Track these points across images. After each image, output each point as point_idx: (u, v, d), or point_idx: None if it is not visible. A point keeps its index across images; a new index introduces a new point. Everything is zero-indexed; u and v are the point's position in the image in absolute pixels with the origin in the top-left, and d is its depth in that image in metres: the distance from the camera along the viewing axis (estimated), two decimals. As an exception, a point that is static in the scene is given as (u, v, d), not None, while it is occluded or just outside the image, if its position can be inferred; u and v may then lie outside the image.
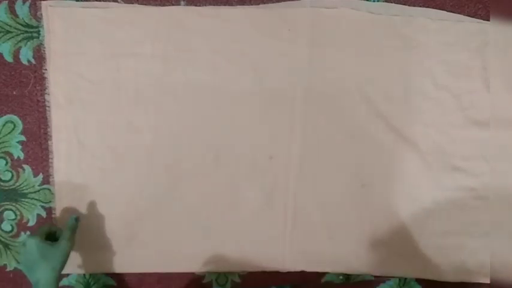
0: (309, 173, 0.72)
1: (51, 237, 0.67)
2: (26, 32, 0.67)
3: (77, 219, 0.68)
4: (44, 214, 0.72)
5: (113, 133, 0.70)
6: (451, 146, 0.73)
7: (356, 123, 0.72)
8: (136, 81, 0.69)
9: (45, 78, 0.68)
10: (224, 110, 0.70)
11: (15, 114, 0.69)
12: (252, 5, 0.68)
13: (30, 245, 0.62)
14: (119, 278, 0.75)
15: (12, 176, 0.71)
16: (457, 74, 0.72)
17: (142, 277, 0.75)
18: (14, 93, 0.69)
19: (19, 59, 0.68)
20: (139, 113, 0.70)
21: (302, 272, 0.76)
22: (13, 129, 0.70)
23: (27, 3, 0.66)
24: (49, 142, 0.70)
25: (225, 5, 0.68)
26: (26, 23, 0.67)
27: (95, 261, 0.73)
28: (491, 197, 0.74)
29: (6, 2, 0.66)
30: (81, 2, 0.67)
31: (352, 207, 0.74)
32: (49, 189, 0.72)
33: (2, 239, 0.73)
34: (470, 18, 0.71)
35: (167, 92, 0.69)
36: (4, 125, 0.70)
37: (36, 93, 0.69)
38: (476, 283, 0.78)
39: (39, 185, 0.72)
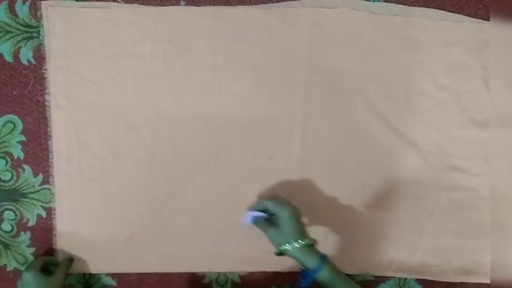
0: (308, 173, 0.72)
1: (46, 270, 0.69)
2: (26, 32, 0.67)
3: (71, 260, 0.72)
4: (44, 214, 0.72)
5: (112, 133, 0.70)
6: (451, 146, 0.73)
7: (356, 123, 0.72)
8: (136, 81, 0.69)
9: (45, 78, 0.68)
10: (224, 110, 0.70)
11: (15, 114, 0.69)
12: (252, 5, 0.68)
13: (27, 278, 0.66)
14: (119, 278, 0.75)
15: (12, 176, 0.71)
16: (457, 74, 0.72)
17: (142, 277, 0.75)
18: (14, 93, 0.69)
19: (19, 59, 0.68)
20: (139, 113, 0.70)
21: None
22: (13, 129, 0.70)
23: (27, 3, 0.66)
24: (49, 142, 0.70)
25: (225, 5, 0.68)
26: (26, 23, 0.67)
27: (95, 261, 0.73)
28: (491, 197, 0.74)
29: (6, 2, 0.66)
30: (81, 2, 0.67)
31: (352, 207, 0.74)
32: (49, 189, 0.72)
33: (2, 239, 0.73)
34: (470, 18, 0.71)
35: (167, 92, 0.69)
36: (4, 125, 0.70)
37: (36, 93, 0.69)
38: (476, 283, 0.78)
39: (39, 185, 0.72)
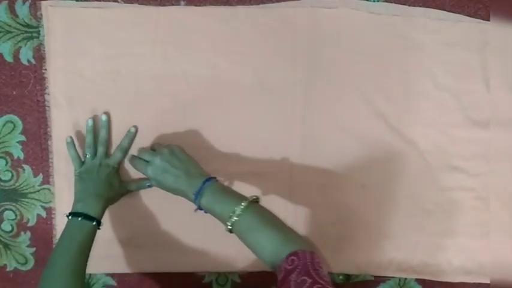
0: (309, 173, 0.72)
1: None
2: (26, 32, 0.67)
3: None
4: (44, 214, 0.72)
5: (113, 133, 0.70)
6: (451, 146, 0.73)
7: (356, 123, 0.72)
8: (137, 81, 0.69)
9: (45, 78, 0.68)
10: (224, 110, 0.70)
11: (15, 114, 0.70)
12: (252, 5, 0.68)
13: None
14: (119, 278, 0.75)
15: (12, 176, 0.71)
16: (457, 74, 0.72)
17: (143, 277, 0.75)
18: (14, 93, 0.69)
19: (19, 59, 0.68)
20: (139, 113, 0.70)
21: (302, 272, 0.76)
22: (13, 129, 0.70)
23: (27, 3, 0.66)
24: (49, 142, 0.70)
25: (225, 5, 0.68)
26: (26, 23, 0.67)
27: (95, 261, 0.73)
28: (491, 197, 0.74)
29: (6, 2, 0.66)
30: (81, 2, 0.67)
31: (352, 207, 0.74)
32: (49, 189, 0.72)
33: (2, 239, 0.73)
34: (470, 18, 0.71)
35: (167, 92, 0.69)
36: (4, 125, 0.70)
37: (36, 93, 0.69)
38: (476, 283, 0.78)
39: (39, 185, 0.72)
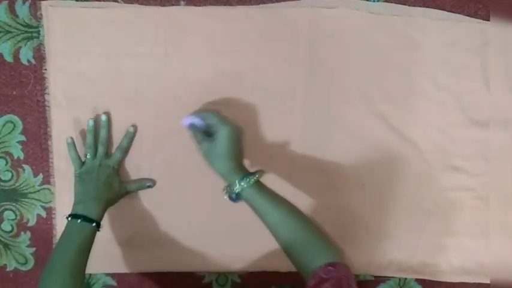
0: (309, 173, 0.72)
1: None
2: (26, 32, 0.67)
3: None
4: (44, 214, 0.72)
5: (113, 133, 0.70)
6: (451, 146, 0.73)
7: (356, 123, 0.72)
8: (136, 81, 0.69)
9: (45, 78, 0.68)
10: (224, 110, 0.70)
11: (15, 114, 0.70)
12: (252, 5, 0.68)
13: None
14: (119, 278, 0.75)
15: (12, 176, 0.71)
16: (457, 74, 0.72)
17: (142, 277, 0.75)
18: (14, 93, 0.69)
19: (19, 59, 0.68)
20: (139, 113, 0.70)
21: (302, 272, 0.76)
22: (13, 129, 0.70)
23: (27, 3, 0.66)
24: (49, 142, 0.70)
25: (225, 5, 0.68)
26: (26, 23, 0.67)
27: (95, 261, 0.73)
28: (491, 197, 0.74)
29: (6, 2, 0.66)
30: (81, 2, 0.67)
31: (352, 207, 0.74)
32: (49, 189, 0.72)
33: (2, 239, 0.73)
34: (470, 18, 0.71)
35: (167, 92, 0.69)
36: (4, 125, 0.70)
37: (36, 93, 0.69)
38: (476, 283, 0.78)
39: (39, 185, 0.72)
